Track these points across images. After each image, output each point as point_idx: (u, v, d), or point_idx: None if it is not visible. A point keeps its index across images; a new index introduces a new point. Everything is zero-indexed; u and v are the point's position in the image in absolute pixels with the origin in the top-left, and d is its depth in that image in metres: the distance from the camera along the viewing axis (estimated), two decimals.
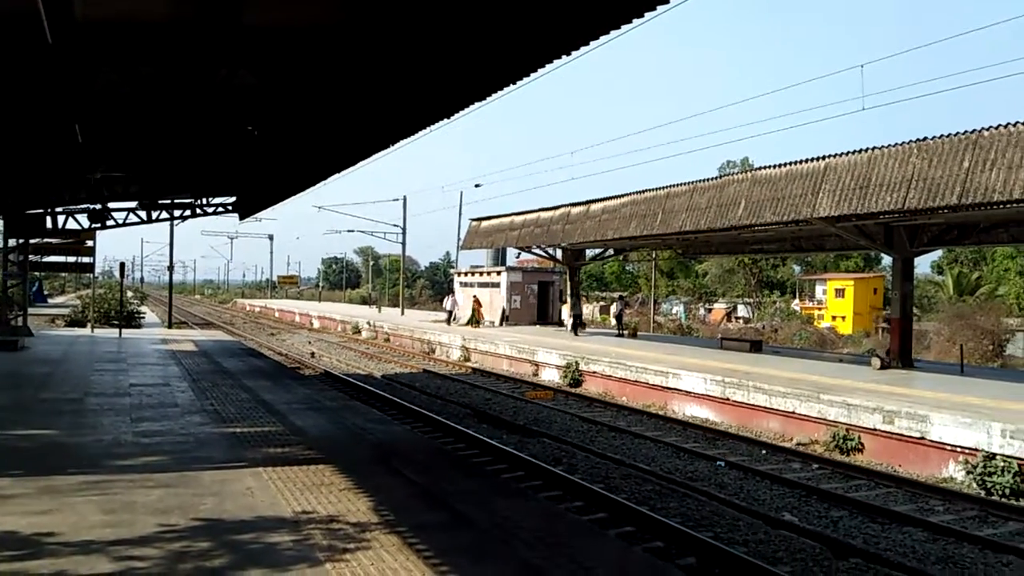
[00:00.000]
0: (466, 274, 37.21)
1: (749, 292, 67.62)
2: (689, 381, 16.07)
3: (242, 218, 28.89)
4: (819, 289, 65.90)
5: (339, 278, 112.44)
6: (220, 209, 24.61)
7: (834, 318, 59.79)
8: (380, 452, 8.90)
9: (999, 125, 12.44)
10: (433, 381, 20.64)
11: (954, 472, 10.82)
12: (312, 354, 27.28)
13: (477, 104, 9.14)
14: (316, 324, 45.49)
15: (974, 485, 10.27)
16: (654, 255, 51.93)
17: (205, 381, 14.33)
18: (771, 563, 6.97)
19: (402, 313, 45.61)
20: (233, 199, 23.90)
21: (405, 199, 45.17)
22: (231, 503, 6.49)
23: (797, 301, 66.81)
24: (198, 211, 24.27)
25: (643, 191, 21.11)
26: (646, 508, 8.52)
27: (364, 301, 72.85)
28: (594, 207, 23.41)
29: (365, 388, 17.35)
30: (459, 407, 15.99)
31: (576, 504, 8.77)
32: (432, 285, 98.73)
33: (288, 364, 23.05)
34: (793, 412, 13.55)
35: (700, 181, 18.93)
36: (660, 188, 20.33)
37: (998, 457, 10.17)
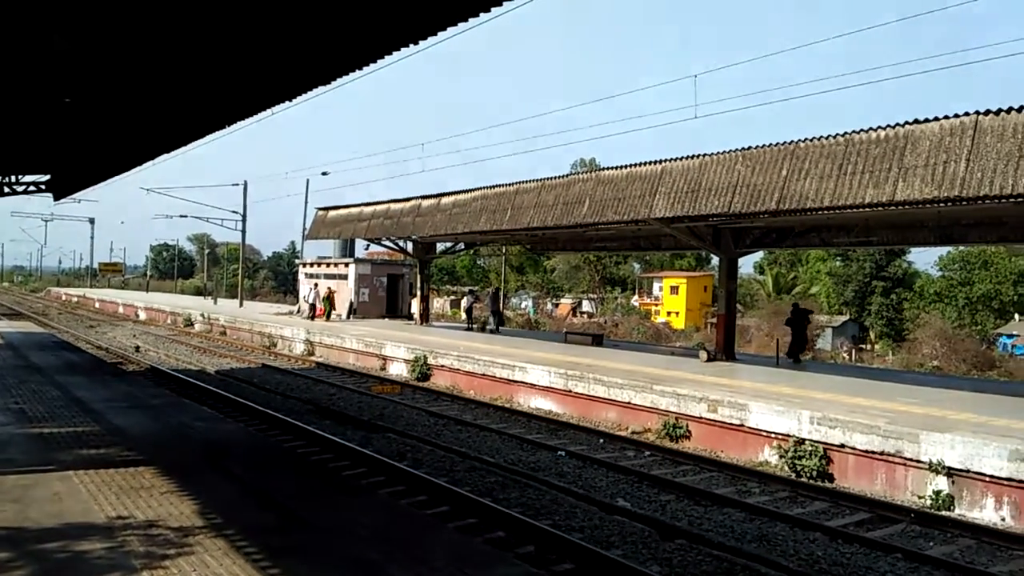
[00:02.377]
0: (312, 265, 35.99)
1: (594, 288, 70.47)
2: (535, 374, 16.44)
3: (57, 198, 26.21)
4: (656, 286, 69.86)
5: (170, 267, 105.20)
6: (32, 188, 22.20)
7: (669, 313, 63.58)
8: (210, 452, 8.38)
9: (813, 137, 13.63)
10: (273, 376, 19.79)
11: (769, 456, 11.77)
12: (137, 348, 25.31)
13: (322, 88, 8.81)
14: (143, 316, 42.34)
15: (786, 468, 11.22)
16: (504, 250, 52.76)
17: (10, 377, 12.90)
18: (605, 547, 7.25)
19: (240, 305, 43.38)
20: (47, 177, 21.62)
21: (246, 184, 42.92)
22: (35, 510, 5.88)
23: (637, 297, 70.40)
24: (6, 190, 21.75)
25: (494, 186, 21.33)
26: (488, 499, 8.60)
27: (199, 292, 68.61)
28: (445, 200, 23.37)
29: (196, 384, 16.31)
30: (300, 403, 15.43)
31: (419, 499, 8.69)
32: (275, 276, 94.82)
33: (108, 359, 21.22)
34: (629, 402, 14.20)
35: (548, 179, 19.40)
36: (510, 184, 20.63)
37: (806, 442, 11.16)
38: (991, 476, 9.21)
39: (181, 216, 49.31)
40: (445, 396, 17.30)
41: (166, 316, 39.42)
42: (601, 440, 13.07)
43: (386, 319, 32.58)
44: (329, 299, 31.44)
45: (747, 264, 74.58)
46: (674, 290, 66.45)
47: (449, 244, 30.55)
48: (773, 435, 11.74)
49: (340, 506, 6.57)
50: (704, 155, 15.50)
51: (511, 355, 18.56)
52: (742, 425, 12.19)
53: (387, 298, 34.04)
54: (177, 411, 10.74)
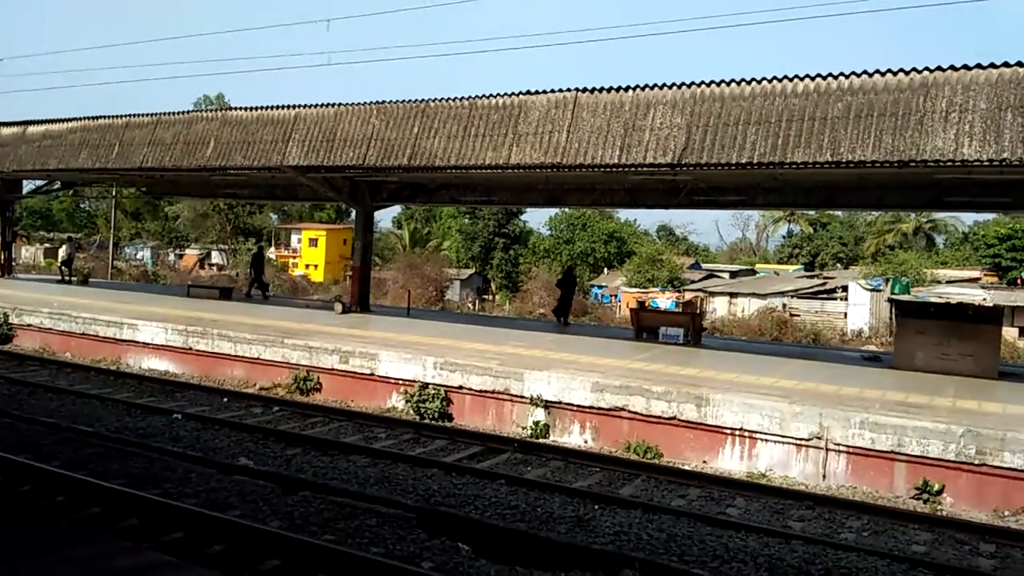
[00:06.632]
0: None
1: (225, 238, 65.87)
2: (148, 332, 14.81)
3: None
4: (295, 238, 68.24)
5: None
6: None
7: (308, 266, 62.67)
8: None
9: (442, 99, 14.24)
10: None
11: (397, 402, 12.23)
12: None
13: None
14: None
15: (412, 412, 11.76)
16: (114, 192, 46.50)
17: None
18: (221, 509, 6.80)
19: None
20: None
21: None
22: None
23: (274, 249, 67.88)
24: None
25: (97, 117, 18.48)
26: (83, 473, 7.50)
27: None
28: (32, 130, 19.63)
29: None
30: None
31: None
32: None
33: None
34: (258, 358, 13.59)
35: (165, 114, 17.41)
36: (118, 116, 18.07)
37: (430, 386, 11.81)
38: (577, 406, 10.73)
39: None
40: (33, 360, 14.73)
41: None
42: (225, 399, 12.30)
43: None
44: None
45: (386, 218, 76.79)
46: (313, 242, 65.54)
47: (41, 182, 25.90)
48: (401, 381, 12.20)
49: None
50: (340, 104, 15.28)
51: (119, 311, 16.48)
52: (372, 374, 12.46)
53: None
54: None
